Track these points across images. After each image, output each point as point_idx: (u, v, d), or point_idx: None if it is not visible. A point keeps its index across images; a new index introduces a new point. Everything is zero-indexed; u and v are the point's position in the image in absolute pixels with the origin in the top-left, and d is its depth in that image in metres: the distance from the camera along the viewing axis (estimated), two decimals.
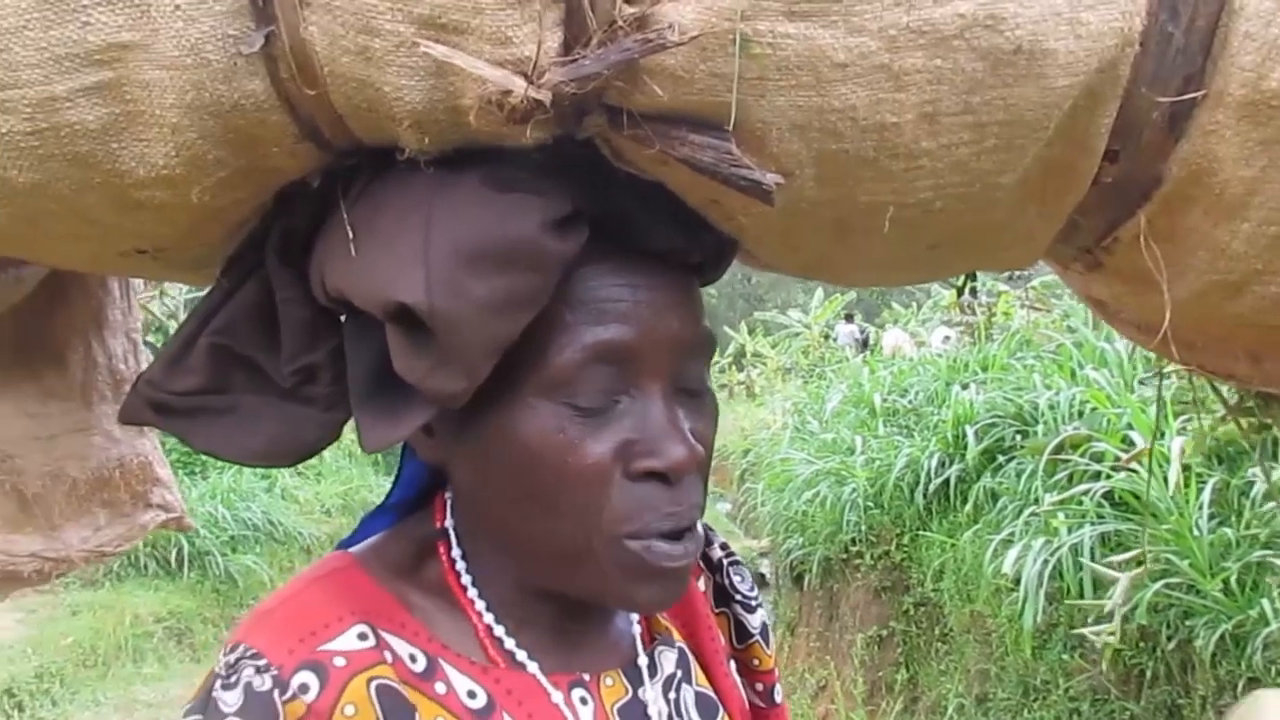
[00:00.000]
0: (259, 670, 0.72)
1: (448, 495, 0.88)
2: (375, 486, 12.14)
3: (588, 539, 0.76)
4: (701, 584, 1.03)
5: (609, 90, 0.67)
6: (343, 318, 0.82)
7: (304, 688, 0.72)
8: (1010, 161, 0.75)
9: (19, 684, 6.91)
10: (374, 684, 0.74)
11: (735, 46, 0.65)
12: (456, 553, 0.86)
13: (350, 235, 0.75)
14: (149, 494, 1.39)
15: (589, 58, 0.65)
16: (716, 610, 1.03)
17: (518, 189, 0.72)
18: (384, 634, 0.78)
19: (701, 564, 1.03)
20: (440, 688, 0.78)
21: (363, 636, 0.76)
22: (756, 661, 1.04)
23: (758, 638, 1.04)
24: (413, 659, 0.78)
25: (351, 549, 0.87)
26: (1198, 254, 0.82)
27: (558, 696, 0.82)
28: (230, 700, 0.71)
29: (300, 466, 11.34)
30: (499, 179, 0.73)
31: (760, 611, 1.05)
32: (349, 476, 12.23)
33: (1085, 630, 3.50)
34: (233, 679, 0.72)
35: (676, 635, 0.95)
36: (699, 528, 0.82)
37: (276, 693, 0.71)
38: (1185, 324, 0.89)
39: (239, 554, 9.34)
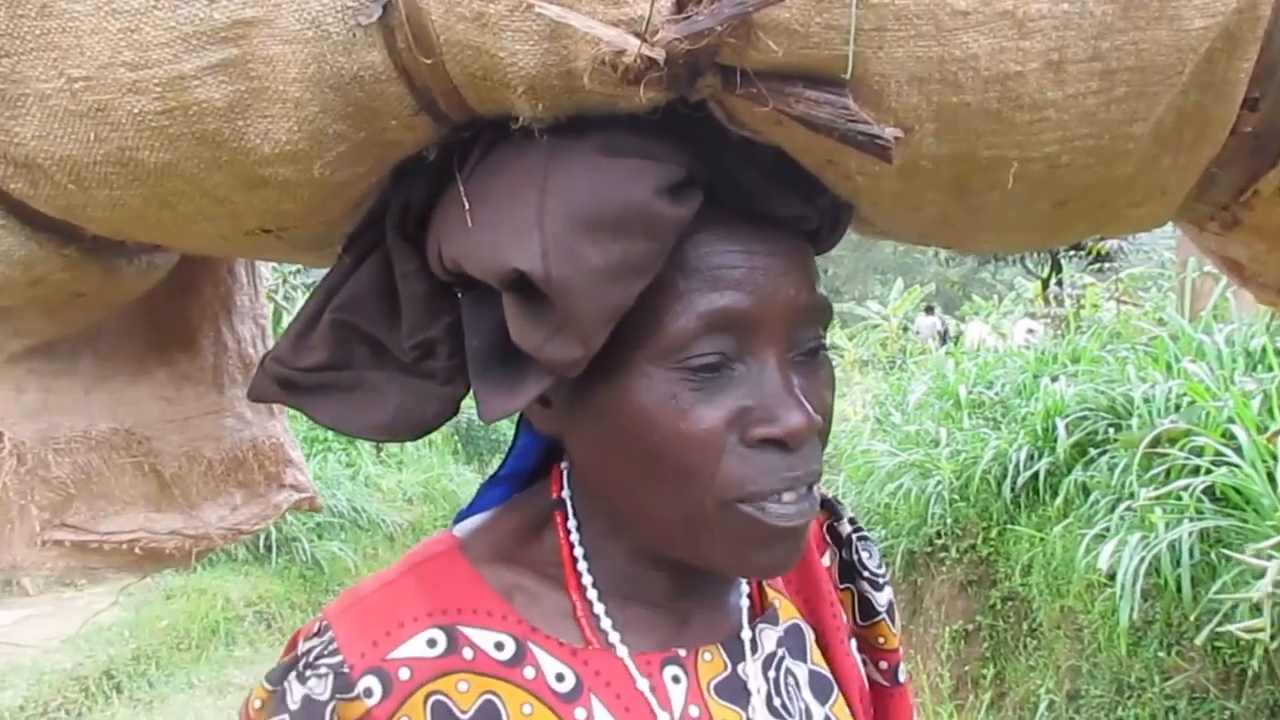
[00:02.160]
0: (325, 675, 0.77)
1: (564, 466, 0.89)
2: (456, 475, 12.30)
3: (701, 505, 0.76)
4: (827, 559, 1.02)
5: (722, 48, 0.66)
6: (459, 292, 0.83)
7: (368, 691, 0.76)
8: (1141, 111, 0.71)
9: (117, 666, 7.12)
10: (430, 700, 0.77)
11: None
12: (572, 524, 0.86)
13: (466, 206, 0.76)
14: (282, 474, 1.41)
15: (702, 13, 0.64)
16: (841, 586, 1.02)
17: (632, 155, 0.72)
18: (464, 630, 0.80)
19: (829, 538, 1.03)
20: (529, 672, 0.80)
21: (432, 643, 0.79)
22: (881, 640, 1.03)
23: (884, 615, 1.03)
24: (499, 646, 0.80)
25: (459, 528, 0.89)
26: None
27: (644, 684, 0.82)
28: (294, 697, 0.76)
29: (383, 455, 11.59)
30: (613, 145, 0.72)
31: (887, 589, 1.04)
32: (430, 465, 12.39)
33: (1233, 627, 3.38)
34: (306, 675, 0.77)
35: (791, 612, 0.95)
36: (817, 491, 0.82)
37: (335, 699, 0.76)
38: None
39: (325, 540, 9.51)
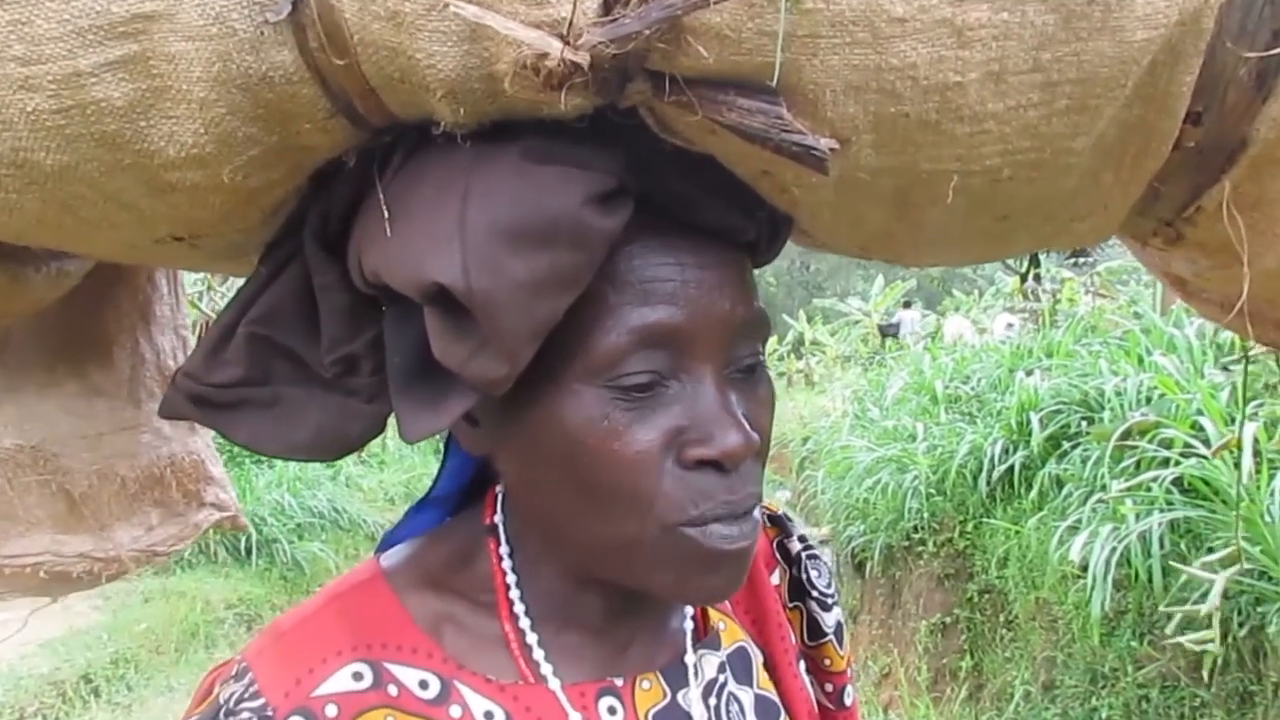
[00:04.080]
0: (253, 713, 0.73)
1: (499, 490, 0.86)
2: None
3: (640, 530, 0.73)
4: (776, 578, 0.99)
5: (652, 54, 0.63)
6: (383, 304, 0.79)
7: None
8: (1084, 124, 0.69)
9: (95, 669, 7.09)
10: None
11: (783, 1, 0.61)
12: (505, 550, 0.84)
13: (385, 214, 0.72)
14: (202, 492, 1.37)
15: (629, 16, 0.60)
16: (790, 605, 0.99)
17: (560, 162, 0.69)
18: (388, 666, 0.77)
19: (779, 556, 1.00)
20: (455, 711, 0.77)
21: (357, 676, 0.75)
22: (828, 661, 1.00)
23: (831, 637, 0.99)
24: (423, 685, 0.77)
25: (387, 555, 0.86)
26: None
27: (576, 718, 0.79)
28: None
29: (364, 455, 11.55)
30: (540, 152, 0.69)
31: (836, 610, 1.00)
32: (412, 465, 12.36)
33: (1184, 639, 3.40)
34: None
35: (738, 635, 0.92)
36: (758, 513, 0.78)
37: None
38: (1274, 299, 0.83)
39: (305, 541, 9.49)
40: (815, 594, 0.99)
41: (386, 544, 0.90)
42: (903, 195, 0.74)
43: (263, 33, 0.67)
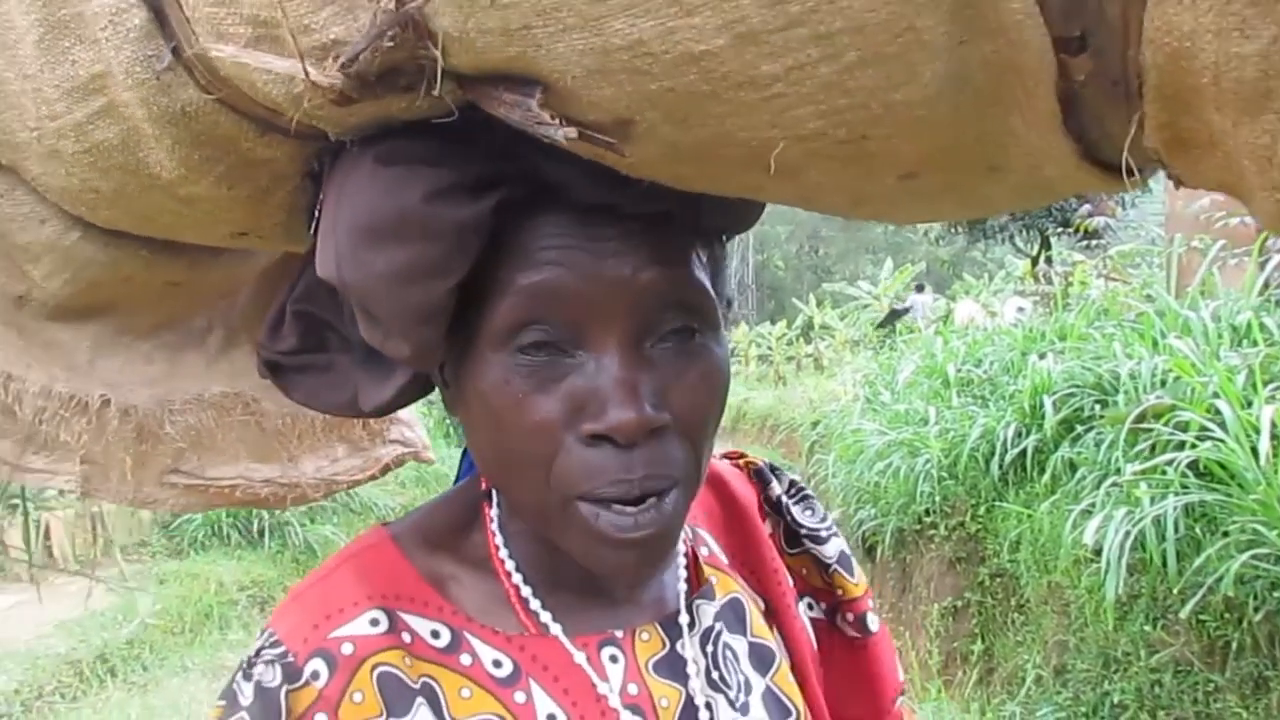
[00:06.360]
0: (272, 662, 0.77)
1: None
2: (448, 458, 12.27)
3: (545, 497, 0.76)
4: (769, 528, 1.03)
5: (438, 57, 0.65)
6: None
7: (315, 675, 0.76)
8: (899, 73, 0.59)
9: (112, 650, 7.16)
10: (377, 671, 0.77)
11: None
12: (493, 513, 0.88)
13: (317, 215, 0.80)
14: (387, 430, 1.51)
15: (360, 37, 0.64)
16: (793, 552, 1.03)
17: (406, 161, 0.72)
18: (402, 615, 0.81)
19: (768, 508, 1.04)
20: (466, 659, 0.81)
21: (374, 622, 0.79)
22: (841, 591, 1.03)
23: (836, 566, 1.02)
24: (435, 635, 0.81)
25: (393, 523, 0.91)
26: (1242, 163, 0.60)
27: (581, 658, 0.83)
28: (246, 693, 0.76)
29: None
30: (389, 153, 0.73)
31: (834, 540, 1.03)
32: None
33: None
34: (252, 670, 0.77)
35: (730, 587, 0.95)
36: (671, 499, 0.77)
37: (285, 687, 0.75)
38: None
39: (317, 524, 9.55)
40: (805, 532, 1.03)
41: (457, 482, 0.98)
42: (759, 161, 0.67)
43: (163, 78, 0.76)
